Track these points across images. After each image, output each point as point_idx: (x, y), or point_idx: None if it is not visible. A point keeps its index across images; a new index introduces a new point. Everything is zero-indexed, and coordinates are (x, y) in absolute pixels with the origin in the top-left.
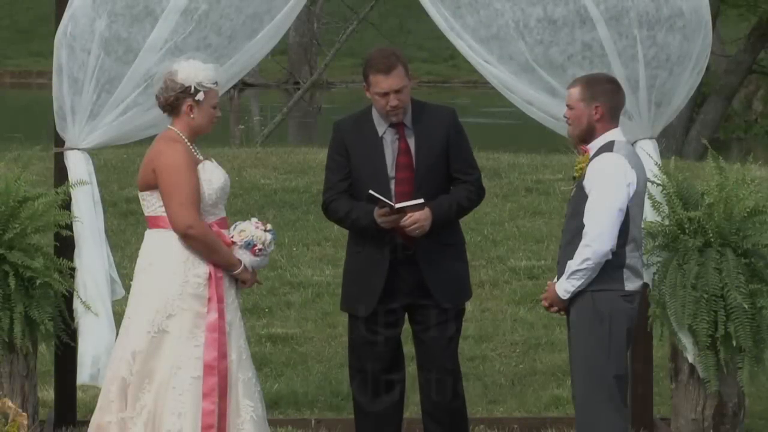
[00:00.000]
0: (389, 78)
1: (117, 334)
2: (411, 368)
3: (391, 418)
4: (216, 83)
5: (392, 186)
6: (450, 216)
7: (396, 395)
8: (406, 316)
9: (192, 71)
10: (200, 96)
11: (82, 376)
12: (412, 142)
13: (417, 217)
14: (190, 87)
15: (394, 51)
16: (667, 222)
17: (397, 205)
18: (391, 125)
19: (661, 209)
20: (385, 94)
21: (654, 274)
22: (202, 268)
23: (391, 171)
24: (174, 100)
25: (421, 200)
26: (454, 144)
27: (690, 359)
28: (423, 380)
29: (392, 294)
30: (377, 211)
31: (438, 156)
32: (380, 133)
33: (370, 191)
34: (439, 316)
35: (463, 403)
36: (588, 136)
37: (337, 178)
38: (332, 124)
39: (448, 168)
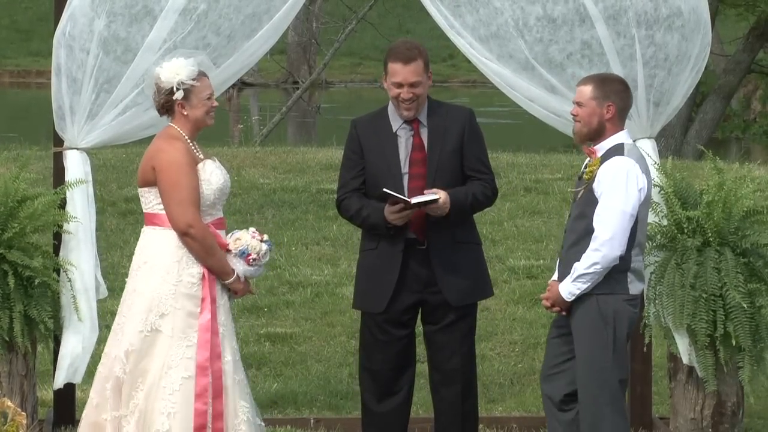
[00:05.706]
0: (406, 69)
1: (99, 334)
2: (419, 367)
3: (398, 418)
4: (195, 78)
5: (405, 181)
6: (465, 205)
7: (404, 395)
8: (419, 315)
9: (172, 72)
10: (179, 95)
11: (58, 380)
12: (425, 138)
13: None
14: (172, 87)
15: (419, 45)
16: (665, 222)
17: (413, 200)
18: (406, 121)
19: (657, 210)
20: (400, 85)
21: (651, 273)
22: (196, 268)
23: (404, 166)
24: (165, 103)
25: (436, 196)
26: (468, 143)
27: (685, 361)
28: (434, 381)
29: (405, 291)
30: (388, 208)
31: (451, 153)
32: (395, 129)
33: (384, 189)
34: (451, 314)
35: (475, 404)
36: (596, 135)
37: (350, 176)
38: (350, 121)
39: (462, 167)
